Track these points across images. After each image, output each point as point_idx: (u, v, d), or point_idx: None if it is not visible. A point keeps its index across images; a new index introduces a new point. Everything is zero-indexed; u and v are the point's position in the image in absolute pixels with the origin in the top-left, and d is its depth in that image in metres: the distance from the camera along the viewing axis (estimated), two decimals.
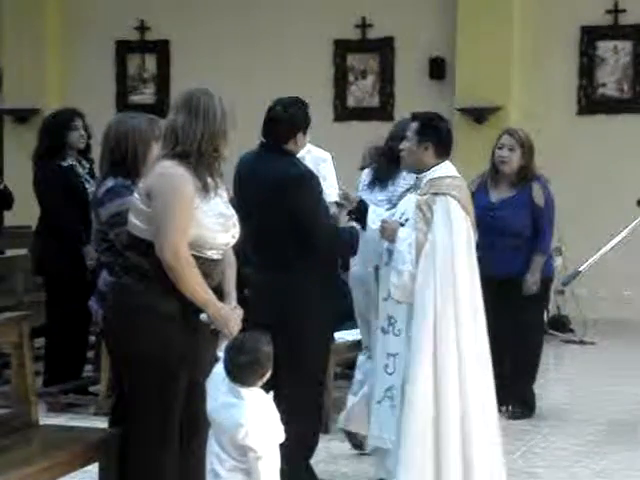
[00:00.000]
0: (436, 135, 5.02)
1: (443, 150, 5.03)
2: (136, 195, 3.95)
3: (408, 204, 5.03)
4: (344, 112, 11.94)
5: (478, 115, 11.22)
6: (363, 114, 11.86)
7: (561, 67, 11.26)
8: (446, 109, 11.30)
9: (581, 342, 10.04)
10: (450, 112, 11.22)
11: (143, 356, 3.86)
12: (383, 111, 11.75)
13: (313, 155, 5.95)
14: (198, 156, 3.88)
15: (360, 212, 5.07)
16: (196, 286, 3.84)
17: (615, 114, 11.14)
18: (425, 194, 4.95)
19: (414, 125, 5.04)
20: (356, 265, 5.78)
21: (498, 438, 4.91)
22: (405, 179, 5.72)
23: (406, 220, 4.97)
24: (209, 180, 3.90)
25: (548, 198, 6.79)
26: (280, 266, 4.97)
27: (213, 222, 3.90)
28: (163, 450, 3.90)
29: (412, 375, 4.74)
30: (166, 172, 3.86)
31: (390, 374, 4.89)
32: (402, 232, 4.92)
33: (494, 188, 6.83)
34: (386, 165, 5.91)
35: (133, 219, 3.93)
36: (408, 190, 5.21)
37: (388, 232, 4.95)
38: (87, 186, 6.94)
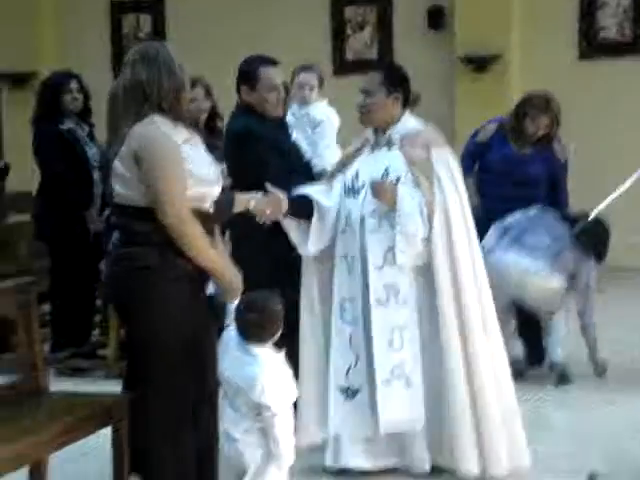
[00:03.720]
0: (404, 84, 4.73)
1: (407, 100, 4.74)
2: (117, 162, 3.73)
3: (391, 161, 4.61)
4: (343, 65, 11.82)
5: (478, 64, 11.09)
6: (362, 67, 11.72)
7: (561, 11, 11.12)
8: (446, 59, 11.21)
9: None
10: (450, 62, 11.11)
11: (159, 332, 3.72)
12: (382, 63, 11.63)
13: (311, 117, 5.79)
14: (173, 108, 3.74)
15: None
16: (209, 250, 3.73)
17: (617, 58, 11.02)
18: (412, 145, 4.60)
19: (378, 76, 4.68)
20: None
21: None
22: None
23: (397, 179, 4.57)
24: (189, 131, 3.81)
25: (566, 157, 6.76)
26: None
27: (206, 172, 3.79)
28: (185, 423, 3.79)
29: (445, 351, 4.46)
30: (149, 133, 3.68)
31: (398, 350, 4.51)
32: (403, 191, 4.51)
33: (514, 142, 6.69)
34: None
35: (117, 187, 3.74)
36: (359, 150, 4.79)
37: (386, 193, 4.51)
38: (86, 149, 6.89)
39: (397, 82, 4.70)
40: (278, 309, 3.70)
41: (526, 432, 5.42)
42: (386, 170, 4.60)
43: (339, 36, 11.86)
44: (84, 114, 6.99)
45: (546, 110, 6.54)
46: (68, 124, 6.90)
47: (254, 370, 3.60)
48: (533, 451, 5.05)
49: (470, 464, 4.52)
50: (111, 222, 4.50)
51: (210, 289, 3.96)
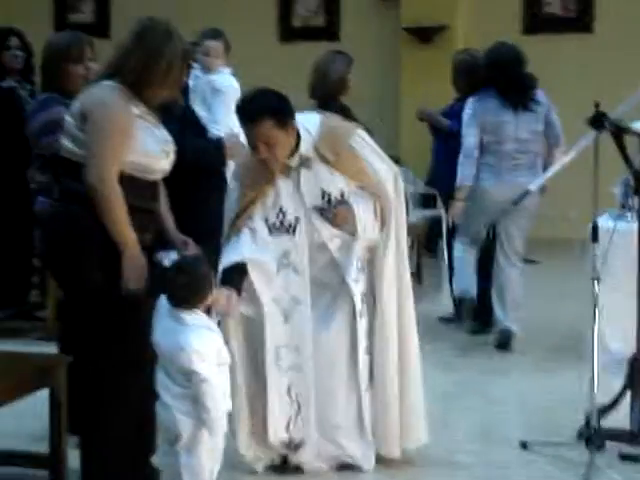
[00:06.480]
0: (289, 107, 4.19)
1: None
2: (68, 118, 3.82)
3: (322, 180, 4.23)
4: (289, 32, 11.77)
5: (424, 35, 11.12)
6: (309, 34, 11.69)
7: None
8: (392, 28, 11.22)
9: (526, 261, 10.11)
10: (396, 32, 11.12)
11: (97, 294, 3.73)
12: (329, 31, 11.62)
13: (212, 85, 5.73)
14: (135, 86, 3.77)
15: None
16: (119, 218, 3.70)
17: (560, 33, 11.12)
18: (336, 154, 4.22)
19: (269, 123, 4.05)
20: None
21: None
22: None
23: (342, 195, 4.24)
24: (143, 108, 3.81)
25: None
26: None
27: (152, 148, 3.82)
28: (127, 385, 3.80)
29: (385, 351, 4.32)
30: (104, 99, 3.74)
31: (370, 353, 4.32)
32: (357, 205, 4.23)
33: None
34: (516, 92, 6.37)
35: (67, 142, 3.81)
36: (269, 182, 4.25)
37: (346, 219, 4.22)
38: (27, 108, 6.77)
39: (287, 114, 4.16)
40: (206, 272, 3.68)
41: (463, 399, 5.53)
42: (324, 192, 4.25)
43: (285, 1, 11.81)
44: (26, 72, 6.88)
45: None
46: (9, 82, 6.80)
47: (183, 337, 3.56)
48: (469, 418, 5.14)
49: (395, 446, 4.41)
50: (45, 180, 4.48)
51: (165, 259, 3.95)
